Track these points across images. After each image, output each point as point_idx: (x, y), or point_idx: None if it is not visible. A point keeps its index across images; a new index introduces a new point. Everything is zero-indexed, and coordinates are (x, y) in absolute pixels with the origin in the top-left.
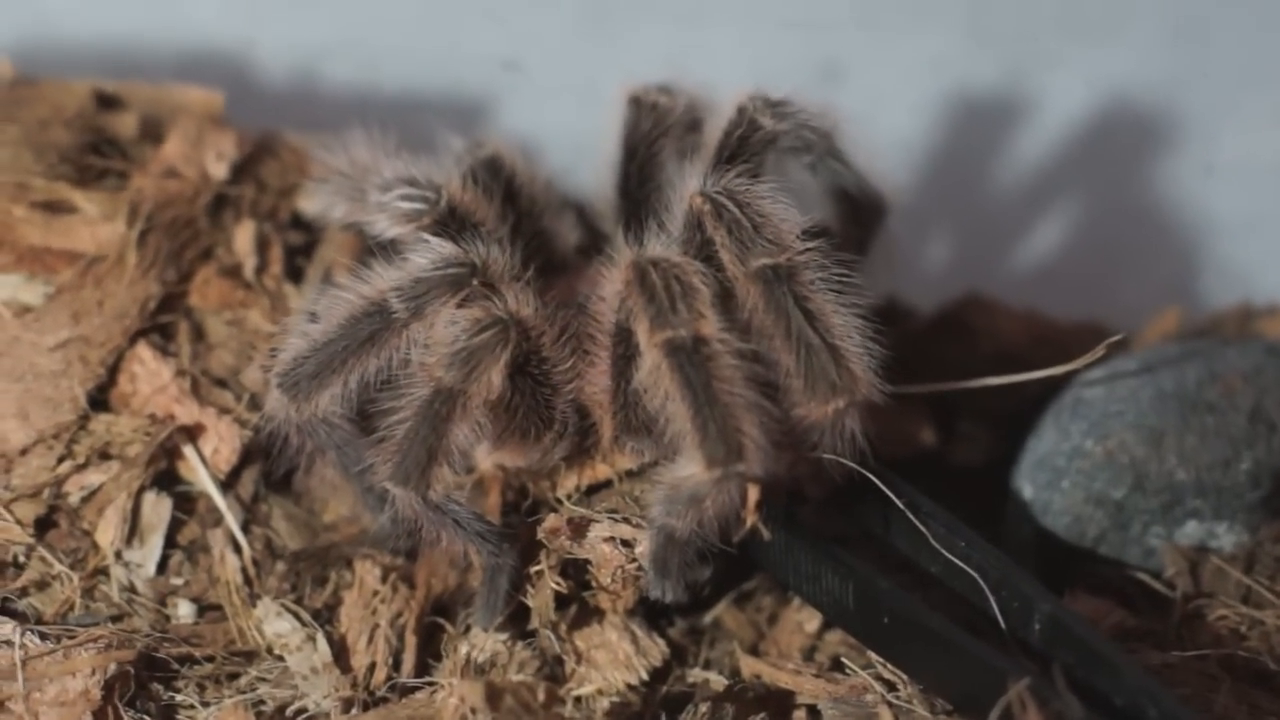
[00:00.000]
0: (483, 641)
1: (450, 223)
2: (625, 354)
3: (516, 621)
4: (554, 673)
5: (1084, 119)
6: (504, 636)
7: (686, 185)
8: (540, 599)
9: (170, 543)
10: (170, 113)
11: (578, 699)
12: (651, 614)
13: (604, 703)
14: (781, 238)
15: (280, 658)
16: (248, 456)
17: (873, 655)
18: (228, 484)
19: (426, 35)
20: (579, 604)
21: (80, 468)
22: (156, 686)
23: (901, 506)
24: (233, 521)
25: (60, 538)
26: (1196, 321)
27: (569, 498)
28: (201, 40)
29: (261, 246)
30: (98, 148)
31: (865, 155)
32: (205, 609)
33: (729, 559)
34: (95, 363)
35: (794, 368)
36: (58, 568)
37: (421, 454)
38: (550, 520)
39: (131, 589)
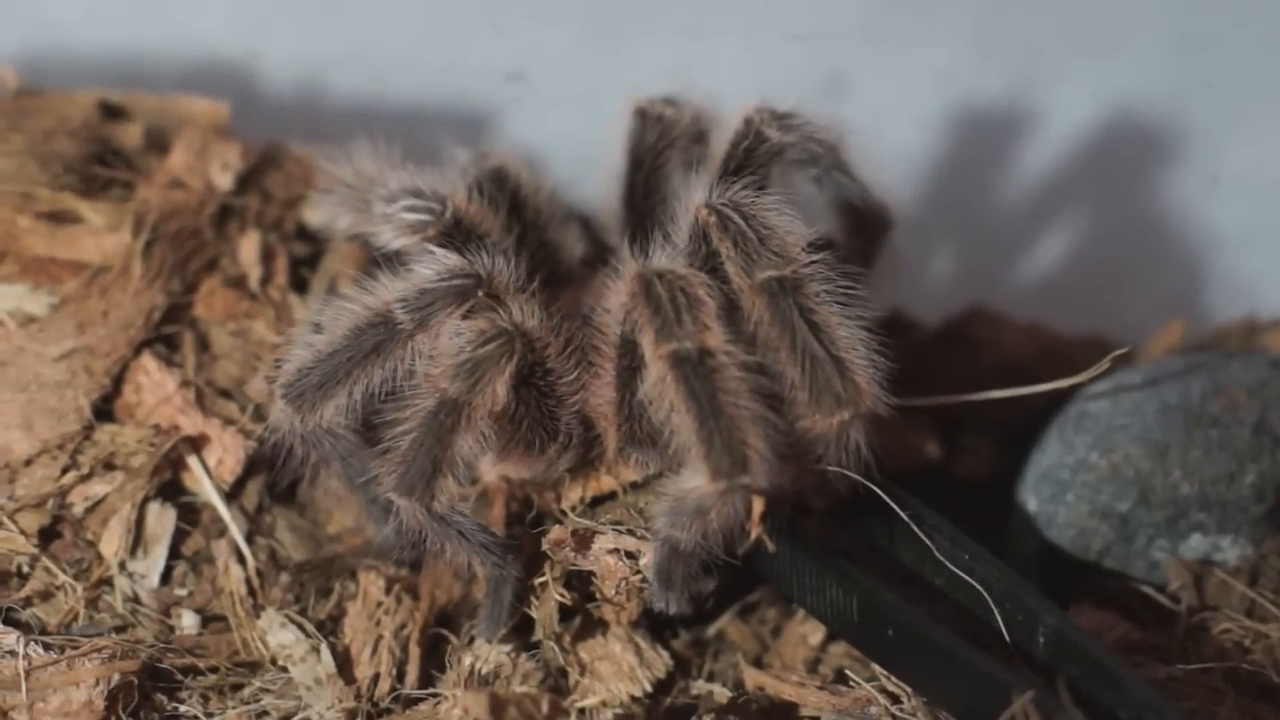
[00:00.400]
0: (487, 653)
1: (455, 234)
2: (630, 366)
3: (520, 633)
4: (558, 684)
5: (1088, 131)
6: (508, 648)
7: (692, 197)
8: (544, 610)
9: (174, 553)
10: (175, 123)
11: (581, 711)
12: (655, 626)
13: (608, 714)
14: (787, 250)
15: (284, 669)
16: (252, 467)
17: (877, 668)
18: (232, 495)
19: (431, 47)
20: (583, 616)
21: (84, 478)
22: (160, 697)
23: (906, 519)
24: (237, 532)
25: (64, 548)
26: (1200, 335)
27: (573, 509)
28: (206, 51)
29: (266, 257)
30: (103, 158)
31: (870, 168)
32: (209, 620)
33: (733, 571)
34: (100, 373)
35: (799, 380)
36: (61, 578)
37: (426, 465)
38: (554, 532)
39: (135, 599)
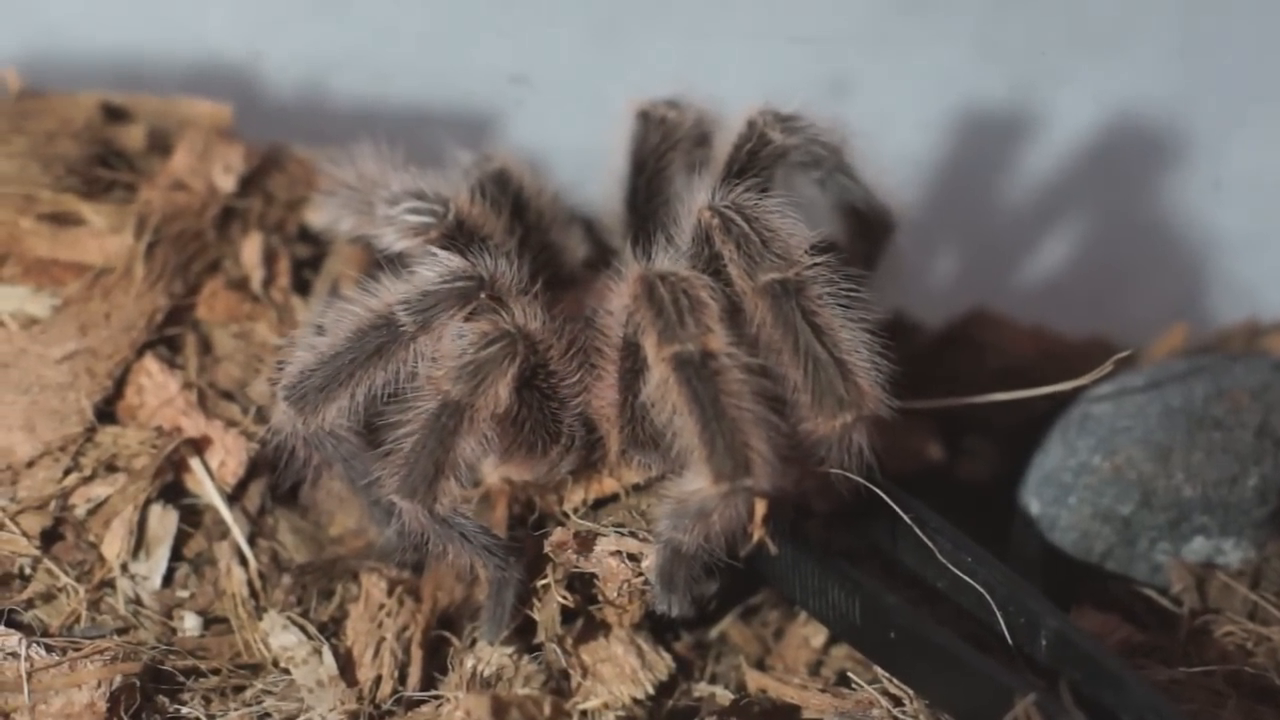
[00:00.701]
0: (488, 655)
1: (458, 236)
2: (633, 368)
3: (522, 635)
4: (560, 687)
5: (1091, 134)
6: (510, 650)
7: (695, 199)
8: (546, 613)
9: (176, 555)
10: (178, 125)
11: (583, 713)
12: (658, 628)
13: (610, 717)
14: (790, 252)
15: (286, 671)
16: (254, 469)
17: (879, 670)
18: (234, 497)
19: (434, 49)
20: (585, 618)
21: (86, 480)
22: (162, 699)
23: (908, 521)
24: (239, 534)
25: (66, 550)
26: (1203, 337)
27: (575, 511)
28: (209, 53)
29: (269, 259)
30: (105, 160)
31: (873, 170)
32: (211, 621)
33: (735, 573)
34: (102, 375)
35: (802, 382)
36: (64, 580)
37: (428, 467)
38: (557, 534)
39: (137, 601)
